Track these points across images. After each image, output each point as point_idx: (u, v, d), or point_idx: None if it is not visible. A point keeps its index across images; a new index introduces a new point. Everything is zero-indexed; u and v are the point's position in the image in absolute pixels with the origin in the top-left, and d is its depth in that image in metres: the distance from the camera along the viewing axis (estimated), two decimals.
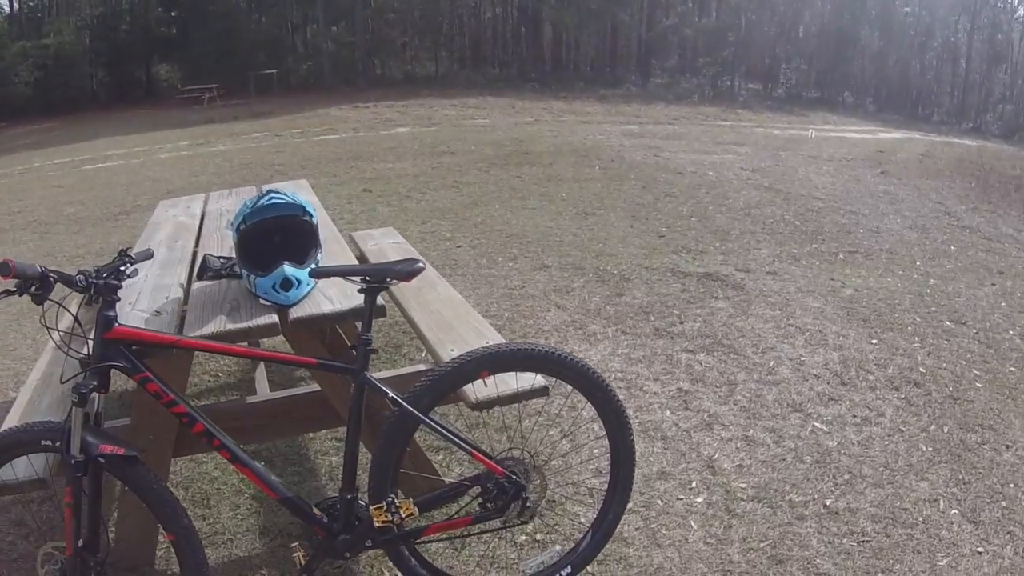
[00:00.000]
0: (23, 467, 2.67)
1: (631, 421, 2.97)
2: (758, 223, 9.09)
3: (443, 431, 2.71)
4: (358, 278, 2.66)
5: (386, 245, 5.04)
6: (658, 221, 9.04)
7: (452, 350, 3.26)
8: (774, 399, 4.63)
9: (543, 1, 36.77)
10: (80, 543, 2.60)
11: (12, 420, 3.13)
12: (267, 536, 3.50)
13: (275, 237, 3.07)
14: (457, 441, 2.74)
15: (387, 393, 2.64)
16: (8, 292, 2.43)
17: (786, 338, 5.55)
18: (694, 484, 3.79)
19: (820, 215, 9.66)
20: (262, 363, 4.60)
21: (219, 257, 3.44)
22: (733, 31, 35.77)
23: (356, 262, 3.52)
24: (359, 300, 2.72)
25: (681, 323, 5.81)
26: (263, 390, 4.30)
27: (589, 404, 2.90)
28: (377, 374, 3.44)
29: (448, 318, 3.69)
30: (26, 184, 15.00)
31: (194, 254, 3.87)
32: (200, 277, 3.37)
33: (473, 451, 2.74)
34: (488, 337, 3.43)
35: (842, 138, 20.53)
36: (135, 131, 22.65)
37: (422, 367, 3.61)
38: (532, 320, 5.91)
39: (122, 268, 2.66)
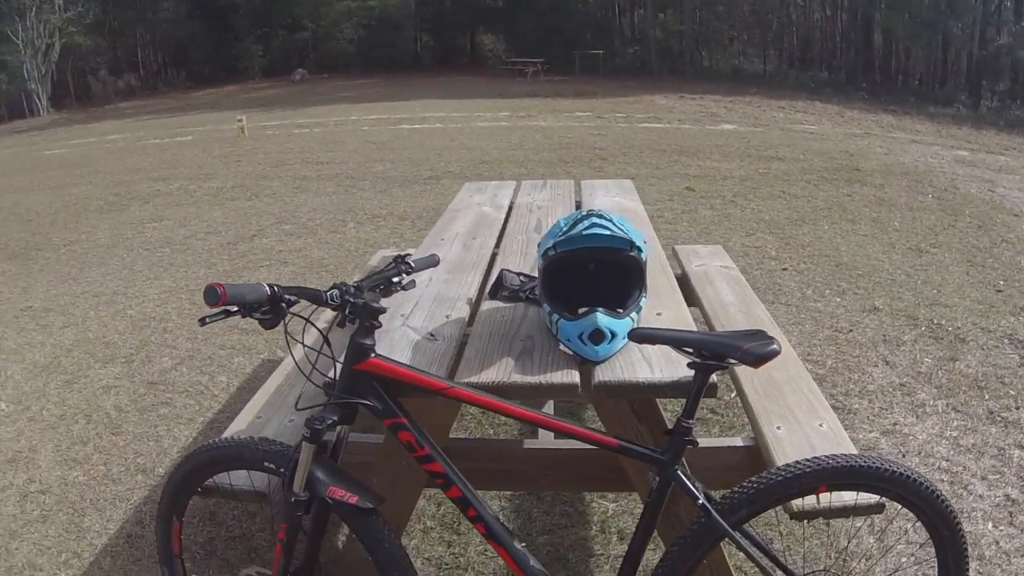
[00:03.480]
0: (242, 476, 2.44)
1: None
2: None
3: (750, 551, 2.06)
4: (690, 349, 2.00)
5: (712, 269, 4.35)
6: (995, 271, 7.83)
7: (778, 428, 2.64)
8: None
9: (874, 6, 34.82)
10: None
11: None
12: None
13: (590, 265, 2.42)
14: (763, 565, 2.09)
15: (698, 498, 2.01)
16: (228, 313, 1.94)
17: None
18: None
19: None
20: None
21: (519, 274, 2.81)
22: None
23: (687, 313, 2.76)
24: (687, 371, 2.06)
25: (1017, 408, 4.77)
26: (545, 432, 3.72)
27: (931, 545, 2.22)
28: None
29: (778, 381, 2.97)
30: (340, 136, 15.42)
31: (492, 258, 3.32)
32: (493, 295, 2.80)
33: None
34: (823, 418, 2.73)
35: None
36: (454, 96, 23.14)
37: (739, 441, 2.89)
38: (856, 375, 5.08)
39: (395, 280, 2.22)
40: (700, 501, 2.02)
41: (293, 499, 2.12)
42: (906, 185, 12.08)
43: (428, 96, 23.17)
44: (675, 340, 2.07)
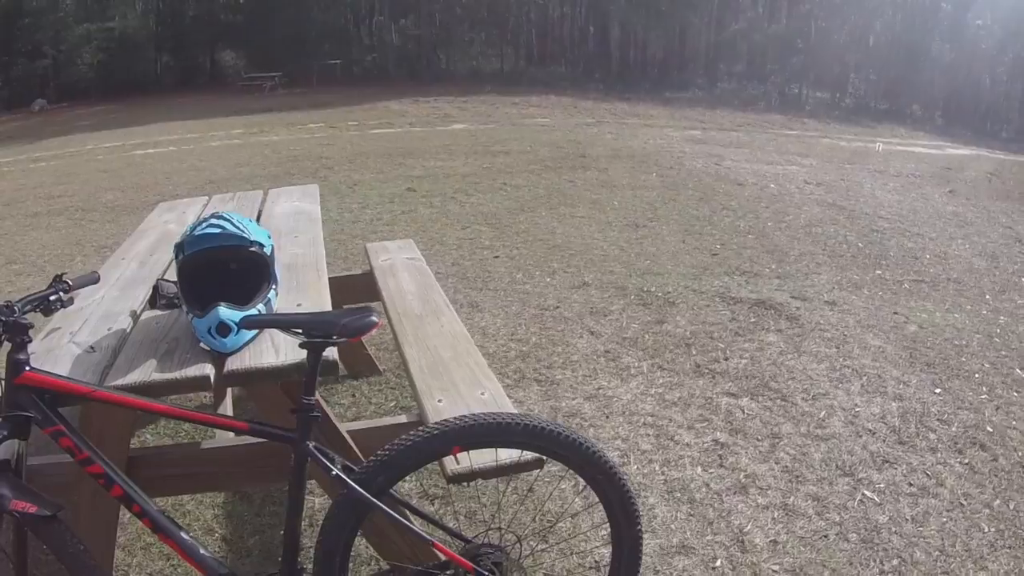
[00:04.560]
0: None
1: (641, 510, 2.47)
2: (819, 243, 8.50)
3: (399, 518, 2.23)
4: (299, 330, 2.20)
5: (399, 262, 4.59)
6: (712, 237, 8.50)
7: (440, 401, 2.87)
8: (822, 459, 4.08)
9: (612, 1, 36.26)
10: None
11: None
12: None
13: (232, 265, 2.59)
14: (415, 530, 2.27)
15: (332, 470, 2.18)
16: None
17: (841, 383, 4.99)
18: (718, 563, 3.28)
19: (885, 237, 9.01)
20: (228, 398, 4.14)
21: (175, 282, 2.96)
22: (803, 38, 34.93)
23: (328, 301, 2.97)
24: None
25: (726, 359, 5.28)
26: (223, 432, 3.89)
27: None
28: (349, 424, 3.01)
29: (445, 358, 3.25)
30: (73, 167, 14.93)
31: (165, 272, 3.41)
32: (152, 305, 2.90)
33: (435, 542, 2.26)
34: (485, 387, 2.99)
35: (909, 152, 19.61)
36: (192, 117, 22.69)
37: (403, 419, 3.16)
38: (560, 348, 5.43)
39: (52, 298, 2.32)
40: (334, 472, 2.18)
41: None
42: (631, 167, 12.71)
43: (165, 119, 22.60)
44: (282, 323, 2.30)
